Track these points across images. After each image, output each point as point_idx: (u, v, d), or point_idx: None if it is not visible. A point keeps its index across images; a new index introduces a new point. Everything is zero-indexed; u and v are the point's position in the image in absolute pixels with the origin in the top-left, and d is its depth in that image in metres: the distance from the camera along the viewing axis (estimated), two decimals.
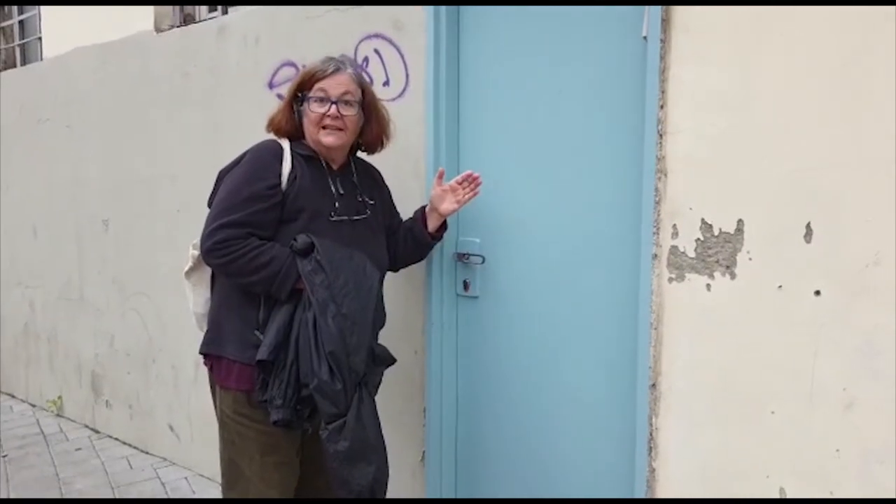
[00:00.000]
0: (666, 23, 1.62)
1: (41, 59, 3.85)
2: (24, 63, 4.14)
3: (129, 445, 3.42)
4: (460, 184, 1.95)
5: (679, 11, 1.60)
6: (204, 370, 2.89)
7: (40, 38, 3.87)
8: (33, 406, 4.05)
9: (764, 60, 1.51)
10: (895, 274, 1.38)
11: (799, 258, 1.49)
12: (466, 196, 1.94)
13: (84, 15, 3.41)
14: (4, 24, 4.25)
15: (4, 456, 3.33)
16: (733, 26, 1.54)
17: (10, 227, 4.10)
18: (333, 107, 1.77)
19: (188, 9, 3.10)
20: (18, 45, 4.18)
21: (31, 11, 4.03)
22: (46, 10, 3.72)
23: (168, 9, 3.07)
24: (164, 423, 3.22)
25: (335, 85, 1.78)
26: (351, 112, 1.80)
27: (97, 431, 3.62)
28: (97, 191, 3.44)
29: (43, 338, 3.96)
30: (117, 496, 2.90)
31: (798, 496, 1.53)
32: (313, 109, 1.79)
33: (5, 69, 4.20)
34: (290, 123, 1.85)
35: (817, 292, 1.47)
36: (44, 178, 3.80)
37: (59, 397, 3.86)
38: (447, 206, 1.95)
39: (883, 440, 1.42)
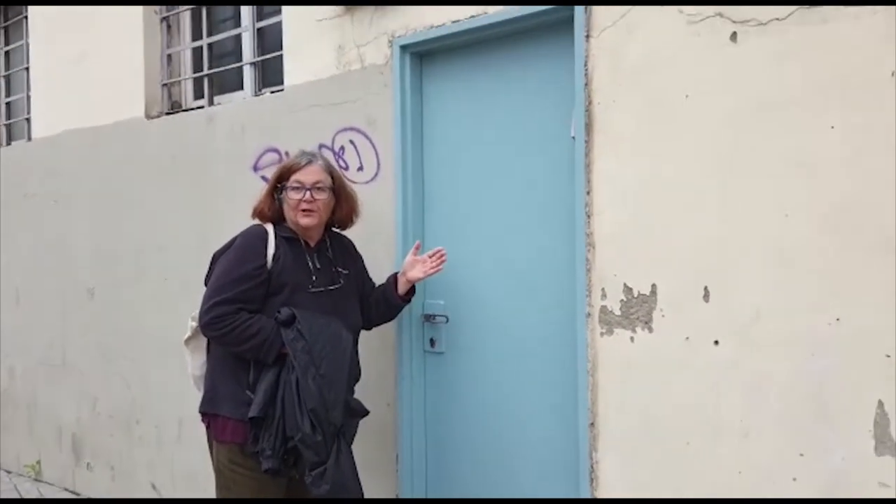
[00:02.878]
0: (589, 126, 2.01)
1: (29, 139, 4.11)
2: (9, 142, 4.39)
3: None
4: (431, 257, 2.27)
5: (598, 118, 2.00)
6: (188, 429, 3.11)
7: (28, 119, 4.14)
8: (9, 472, 4.12)
9: (664, 156, 1.89)
10: (771, 327, 1.74)
11: (700, 314, 1.84)
12: (432, 269, 2.26)
13: (74, 100, 3.70)
14: None
15: None
16: (638, 130, 1.93)
17: None
18: (308, 193, 2.10)
19: (175, 95, 3.43)
20: (5, 124, 4.43)
21: (19, 94, 4.30)
22: (36, 94, 4.00)
23: (157, 96, 3.39)
24: (147, 482, 3.37)
25: (308, 174, 2.12)
26: (323, 196, 2.13)
27: (77, 494, 3.72)
28: (83, 261, 3.66)
29: (21, 404, 4.07)
30: None
31: None
32: (291, 196, 2.11)
33: None
34: (271, 210, 2.17)
35: (716, 342, 1.83)
36: (28, 248, 3.99)
37: (38, 462, 3.95)
38: (415, 273, 2.27)
39: (772, 462, 1.75)
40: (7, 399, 4.16)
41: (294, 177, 2.11)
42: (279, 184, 2.14)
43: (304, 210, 2.10)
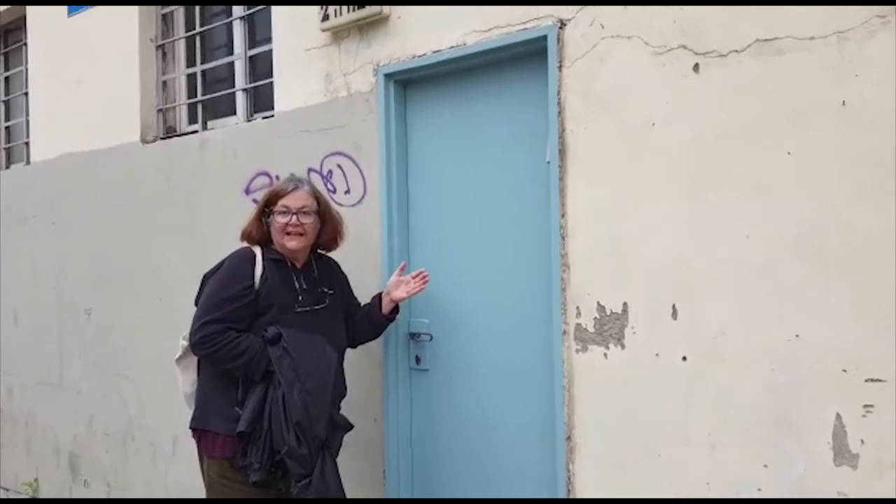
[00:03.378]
0: (562, 152, 2.11)
1: (28, 163, 4.21)
2: (8, 166, 4.49)
3: None
4: (414, 278, 2.36)
5: (571, 144, 2.09)
6: (182, 445, 3.17)
7: (27, 143, 4.24)
8: (7, 490, 4.17)
9: (633, 180, 1.99)
10: (734, 343, 1.82)
11: (669, 331, 1.93)
12: (415, 289, 2.35)
13: (72, 125, 3.80)
14: None
15: None
16: (608, 155, 2.02)
17: None
18: (294, 217, 2.19)
19: (170, 120, 3.54)
20: (5, 148, 4.53)
21: (18, 119, 4.41)
22: (34, 118, 4.10)
23: (153, 121, 3.49)
24: (142, 497, 3.42)
25: (295, 200, 2.21)
26: (308, 220, 2.22)
27: None
28: (80, 282, 3.74)
29: (20, 422, 4.13)
30: None
31: None
32: (278, 220, 2.20)
33: None
34: (259, 233, 2.26)
35: (684, 358, 1.91)
36: (27, 269, 4.07)
37: (35, 479, 4.00)
38: (399, 293, 2.36)
39: (738, 473, 1.82)
40: (5, 418, 4.23)
41: (281, 202, 2.21)
42: (267, 208, 2.23)
43: (289, 233, 2.19)
